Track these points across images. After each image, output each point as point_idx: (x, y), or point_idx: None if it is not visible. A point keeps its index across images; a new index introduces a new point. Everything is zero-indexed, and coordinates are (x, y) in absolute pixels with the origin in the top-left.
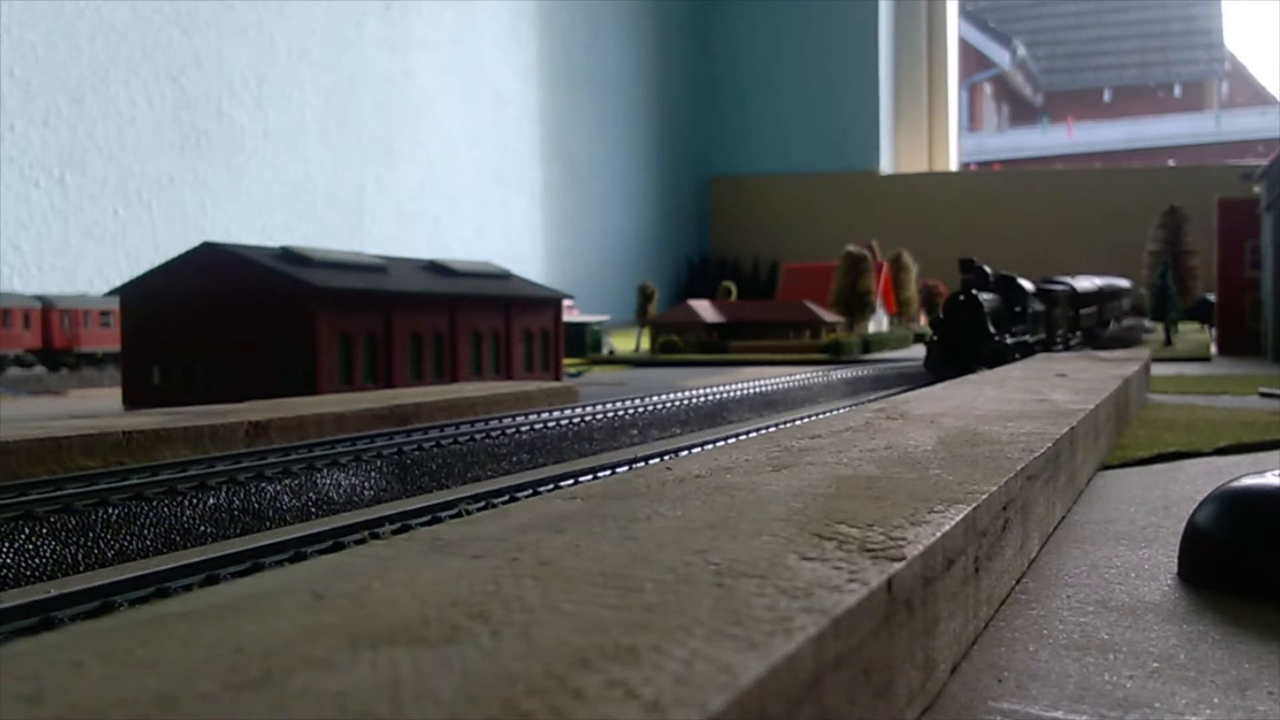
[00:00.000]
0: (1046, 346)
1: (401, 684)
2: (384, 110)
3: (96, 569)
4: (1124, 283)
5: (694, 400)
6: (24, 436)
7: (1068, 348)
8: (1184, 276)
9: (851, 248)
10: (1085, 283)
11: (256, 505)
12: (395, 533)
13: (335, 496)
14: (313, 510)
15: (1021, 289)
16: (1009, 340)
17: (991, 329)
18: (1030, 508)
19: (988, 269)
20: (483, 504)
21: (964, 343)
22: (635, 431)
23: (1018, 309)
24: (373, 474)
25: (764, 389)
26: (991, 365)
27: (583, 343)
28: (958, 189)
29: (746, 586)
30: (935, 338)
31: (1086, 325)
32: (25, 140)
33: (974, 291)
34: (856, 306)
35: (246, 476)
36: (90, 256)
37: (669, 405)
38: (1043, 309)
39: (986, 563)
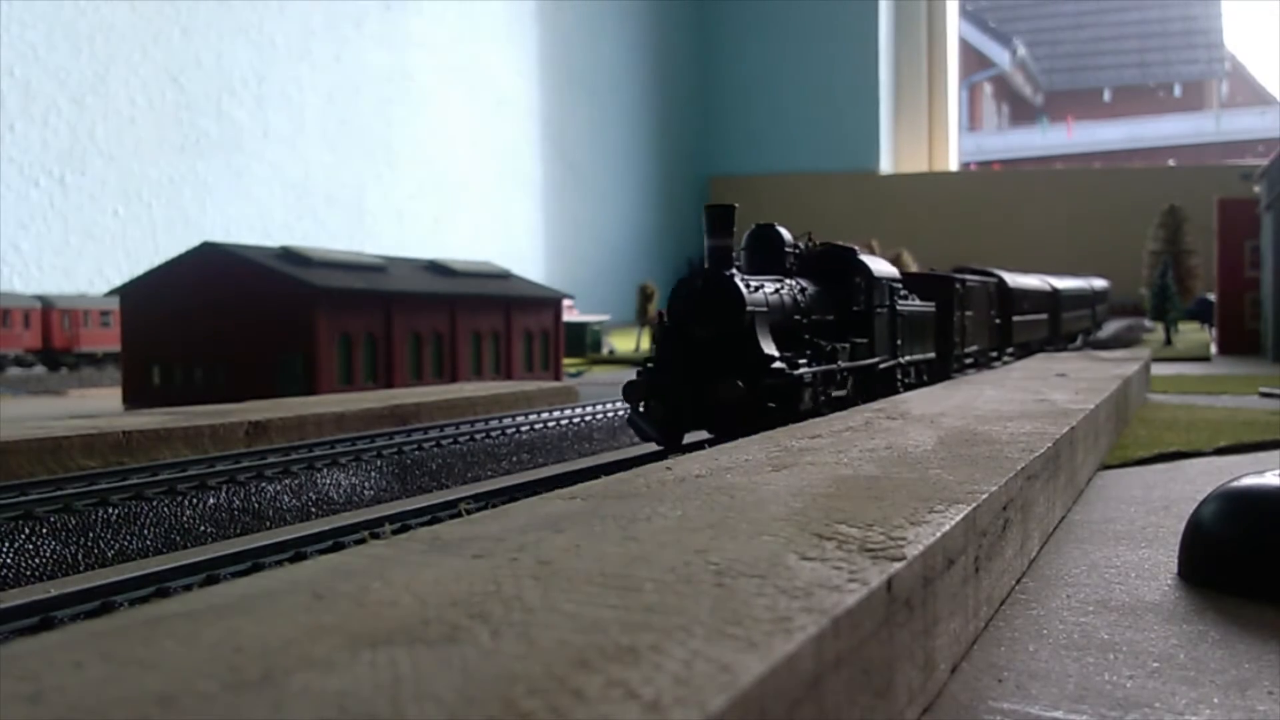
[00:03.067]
0: (942, 371)
1: (401, 684)
2: (384, 110)
3: (96, 569)
4: (1100, 283)
5: None
6: (24, 436)
7: (980, 368)
8: (1184, 276)
9: None
10: (1030, 280)
11: (256, 505)
12: (395, 533)
13: (335, 496)
14: (313, 510)
15: (868, 274)
16: (806, 369)
17: (767, 347)
18: (1030, 507)
19: (786, 233)
20: (483, 504)
21: (704, 373)
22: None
23: (857, 308)
24: (373, 474)
25: None
26: (756, 418)
27: (583, 343)
28: (958, 189)
29: (746, 586)
30: (649, 364)
31: (1028, 338)
32: (25, 140)
33: (733, 274)
34: None
35: (246, 476)
36: (90, 256)
37: None
38: (929, 311)
39: (986, 563)
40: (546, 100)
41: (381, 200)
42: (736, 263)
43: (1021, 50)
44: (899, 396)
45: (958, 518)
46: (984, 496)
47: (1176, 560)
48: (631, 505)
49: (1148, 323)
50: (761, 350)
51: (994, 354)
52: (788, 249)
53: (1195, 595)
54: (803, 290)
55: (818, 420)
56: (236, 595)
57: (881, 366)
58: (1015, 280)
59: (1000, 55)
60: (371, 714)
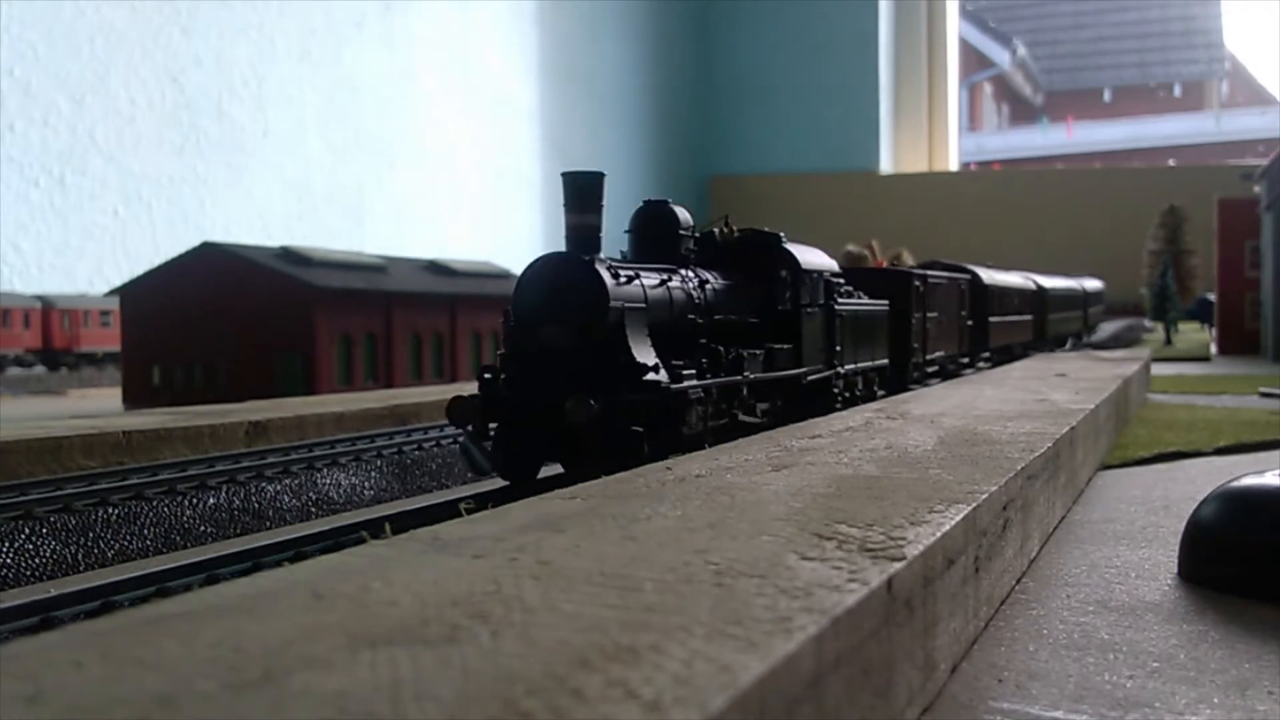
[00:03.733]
0: (897, 381)
1: (401, 684)
2: (384, 110)
3: (96, 569)
4: (1094, 284)
5: None
6: (24, 436)
7: (946, 377)
8: (1184, 276)
9: (851, 248)
10: (1011, 278)
11: (256, 505)
12: (395, 533)
13: (335, 496)
14: (313, 510)
15: (794, 266)
16: (693, 381)
17: (641, 354)
18: (1030, 507)
19: (684, 213)
20: (483, 504)
21: (559, 387)
22: None
23: (783, 307)
24: (373, 474)
25: None
26: (620, 445)
27: None
28: (958, 189)
29: (746, 586)
30: (487, 375)
31: (1008, 342)
32: (25, 140)
33: (594, 259)
34: None
35: (246, 476)
36: (90, 256)
37: None
38: (879, 312)
39: (986, 563)
40: (546, 100)
41: (381, 200)
42: (621, 250)
43: (1021, 50)
44: (899, 396)
45: (958, 518)
46: (984, 496)
47: (1176, 560)
48: (631, 505)
49: (1148, 323)
50: (631, 357)
51: (965, 360)
52: (683, 232)
53: (1195, 595)
54: (703, 284)
55: (817, 420)
56: (236, 595)
57: (812, 378)
58: (992, 277)
59: (1000, 55)
60: (371, 714)
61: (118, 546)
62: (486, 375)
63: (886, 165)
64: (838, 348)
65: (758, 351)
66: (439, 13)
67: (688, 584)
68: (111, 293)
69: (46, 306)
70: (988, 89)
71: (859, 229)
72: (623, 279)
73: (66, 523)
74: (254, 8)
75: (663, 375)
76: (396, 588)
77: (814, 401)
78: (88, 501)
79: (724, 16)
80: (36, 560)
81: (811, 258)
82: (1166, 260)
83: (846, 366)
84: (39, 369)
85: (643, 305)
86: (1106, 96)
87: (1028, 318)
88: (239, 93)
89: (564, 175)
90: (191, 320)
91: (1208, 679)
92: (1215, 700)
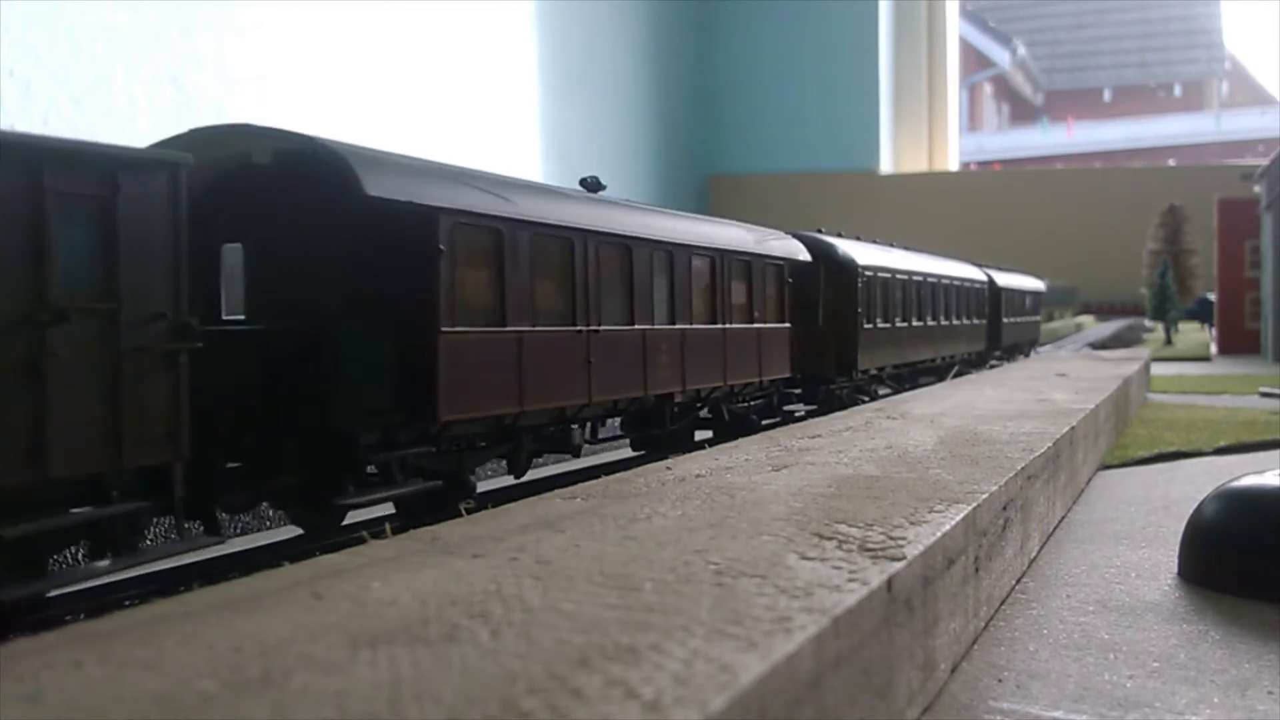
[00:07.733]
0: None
1: (401, 684)
2: (384, 109)
3: None
4: (1018, 280)
5: None
6: None
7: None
8: (1184, 276)
9: None
10: (717, 231)
11: None
12: (395, 533)
13: None
14: None
15: None
16: None
17: None
18: (1030, 507)
19: None
20: (483, 504)
21: None
22: None
23: None
24: None
25: None
26: None
27: None
28: (958, 189)
29: (746, 586)
30: None
31: (651, 391)
32: None
33: None
34: None
35: None
36: None
37: None
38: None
39: (986, 562)
40: (546, 100)
41: None
42: None
43: (1021, 50)
44: (899, 396)
45: (958, 518)
46: (984, 496)
47: (1176, 560)
48: (631, 505)
49: (1147, 322)
50: None
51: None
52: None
53: (1195, 595)
54: None
55: (818, 420)
56: (236, 595)
57: None
58: (611, 218)
59: (1000, 55)
60: (371, 714)
61: None
62: None
63: (886, 165)
64: None
65: None
66: (439, 12)
67: (688, 584)
68: None
69: None
70: (988, 89)
71: (859, 229)
72: None
73: None
74: (254, 7)
75: None
76: (396, 587)
77: None
78: None
79: (724, 16)
80: None
81: None
82: (1166, 260)
83: None
84: None
85: None
86: (1106, 96)
87: (775, 329)
88: (239, 93)
89: None
90: None
91: (1208, 679)
92: (1215, 700)
